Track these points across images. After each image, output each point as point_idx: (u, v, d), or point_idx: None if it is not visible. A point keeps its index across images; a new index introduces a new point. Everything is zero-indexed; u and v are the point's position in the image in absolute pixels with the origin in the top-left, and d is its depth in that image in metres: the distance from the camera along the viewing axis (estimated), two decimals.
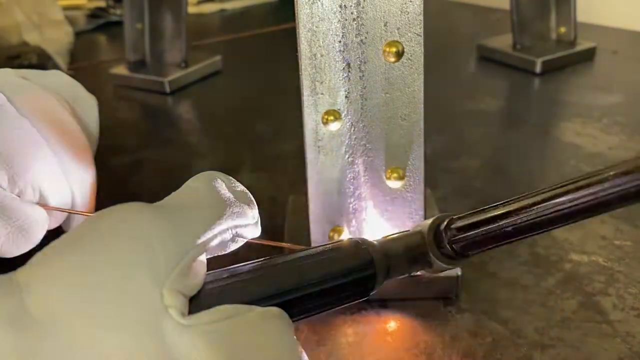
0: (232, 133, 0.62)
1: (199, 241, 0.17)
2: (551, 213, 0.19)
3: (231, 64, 0.82)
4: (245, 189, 0.21)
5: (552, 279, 0.36)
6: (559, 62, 0.72)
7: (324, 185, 0.34)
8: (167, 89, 0.73)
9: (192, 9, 1.15)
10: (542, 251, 0.39)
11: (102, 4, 1.17)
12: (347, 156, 0.33)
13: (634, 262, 0.37)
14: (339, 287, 0.21)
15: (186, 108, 0.71)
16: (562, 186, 0.18)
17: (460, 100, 0.66)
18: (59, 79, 0.37)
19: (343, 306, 0.22)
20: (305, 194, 0.34)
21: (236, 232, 0.20)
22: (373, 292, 0.22)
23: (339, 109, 0.32)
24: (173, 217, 0.17)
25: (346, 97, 0.31)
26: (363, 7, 0.29)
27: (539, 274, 0.37)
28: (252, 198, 0.21)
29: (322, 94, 0.31)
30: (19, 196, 0.29)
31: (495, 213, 0.21)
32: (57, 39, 0.81)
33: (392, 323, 0.34)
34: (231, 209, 0.19)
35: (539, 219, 0.19)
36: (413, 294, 0.35)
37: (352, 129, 0.32)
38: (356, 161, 0.33)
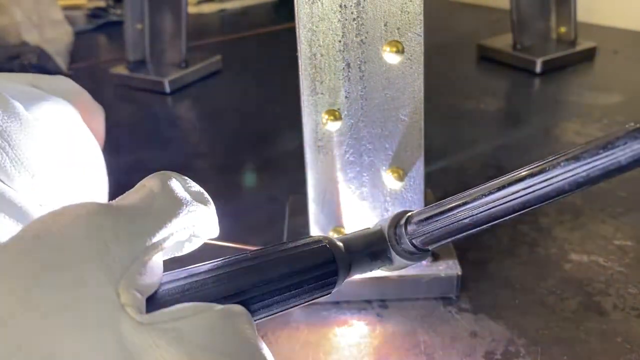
0: (232, 133, 0.62)
1: (154, 240, 0.17)
2: (507, 202, 0.19)
3: (231, 64, 0.82)
4: (201, 189, 0.20)
5: (552, 279, 0.36)
6: (559, 62, 0.72)
7: (324, 185, 0.34)
8: (167, 89, 0.73)
9: (192, 9, 1.15)
10: (542, 251, 0.39)
11: (102, 4, 1.17)
12: (347, 156, 0.33)
13: (634, 262, 0.37)
14: (300, 285, 0.21)
15: (186, 108, 0.71)
16: (515, 174, 0.18)
17: (460, 100, 0.66)
18: (68, 86, 0.37)
19: (306, 303, 0.22)
20: (305, 194, 0.34)
21: (192, 232, 0.19)
22: (335, 289, 0.22)
23: (339, 109, 0.32)
24: (127, 216, 0.17)
25: (346, 97, 0.31)
26: (363, 7, 0.29)
27: (539, 274, 0.37)
28: (209, 198, 0.20)
29: (322, 94, 0.31)
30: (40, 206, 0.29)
31: (452, 205, 0.21)
32: (56, 38, 0.81)
33: (393, 323, 0.34)
34: (187, 208, 0.19)
35: (494, 208, 0.19)
36: (413, 294, 0.35)
37: (352, 128, 0.32)
38: (356, 161, 0.33)
